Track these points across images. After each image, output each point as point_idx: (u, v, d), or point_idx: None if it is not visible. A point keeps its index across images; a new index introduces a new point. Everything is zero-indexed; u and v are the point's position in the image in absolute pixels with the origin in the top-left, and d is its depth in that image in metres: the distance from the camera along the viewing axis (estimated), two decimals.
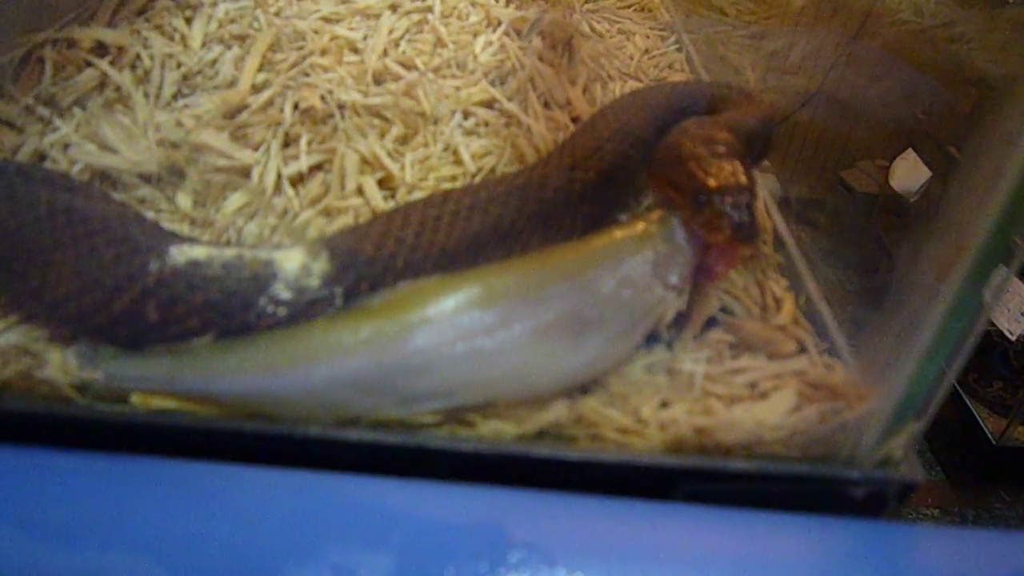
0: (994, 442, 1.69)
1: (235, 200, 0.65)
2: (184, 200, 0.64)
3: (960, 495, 1.75)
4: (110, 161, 0.63)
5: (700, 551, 0.50)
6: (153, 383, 0.52)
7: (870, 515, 0.55)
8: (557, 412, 0.54)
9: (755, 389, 0.58)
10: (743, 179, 0.59)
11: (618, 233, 0.61)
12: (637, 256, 0.58)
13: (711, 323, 0.64)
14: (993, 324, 1.62)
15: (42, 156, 0.65)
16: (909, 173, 2.17)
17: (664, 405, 0.56)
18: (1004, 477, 1.73)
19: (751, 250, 0.62)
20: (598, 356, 0.55)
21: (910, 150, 2.20)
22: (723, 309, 0.66)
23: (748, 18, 1.19)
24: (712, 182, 0.60)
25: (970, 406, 1.75)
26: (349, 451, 0.51)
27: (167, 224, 0.62)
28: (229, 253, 0.53)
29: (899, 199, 2.12)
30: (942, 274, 0.46)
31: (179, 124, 0.67)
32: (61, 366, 0.51)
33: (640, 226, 0.61)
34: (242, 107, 0.69)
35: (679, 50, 1.12)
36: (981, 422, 1.72)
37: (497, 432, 0.53)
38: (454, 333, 0.52)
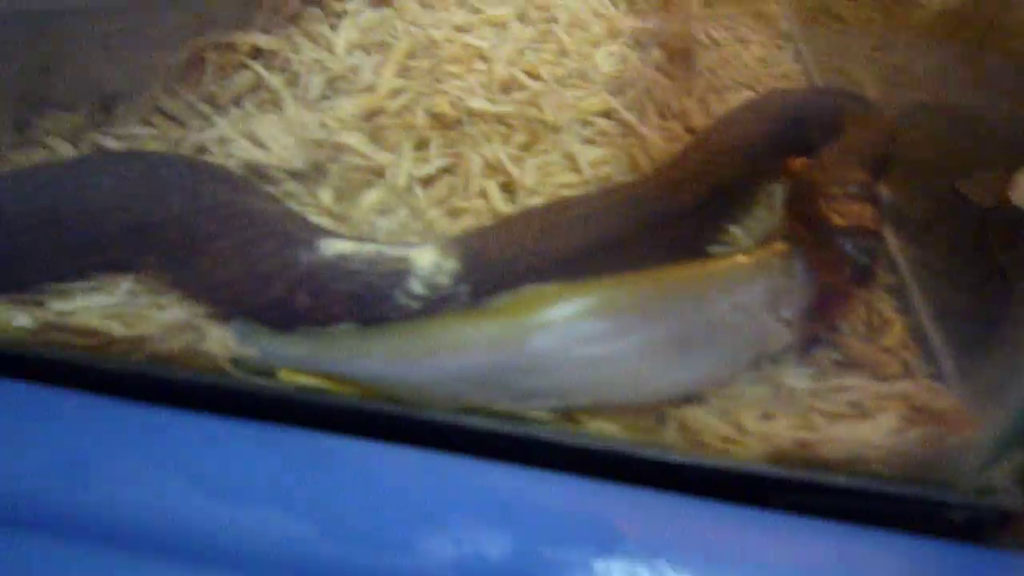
0: None
1: (371, 197, 0.70)
2: (326, 195, 0.70)
3: None
4: (261, 157, 0.70)
5: (793, 557, 0.52)
6: (299, 362, 0.58)
7: (966, 541, 0.55)
8: (662, 417, 0.57)
9: (858, 408, 0.59)
10: (870, 223, 0.59)
11: (738, 259, 0.63)
12: (753, 285, 0.61)
13: (816, 339, 0.66)
14: None
15: (201, 149, 0.72)
16: None
17: (766, 417, 0.58)
18: None
19: (866, 294, 0.62)
20: (702, 376, 0.58)
21: None
22: (829, 327, 0.67)
23: (870, 28, 1.17)
24: (840, 222, 0.60)
25: None
26: (467, 436, 0.56)
27: (311, 218, 0.68)
28: (370, 249, 0.59)
29: (1019, 213, 2.02)
30: None
31: (323, 125, 0.73)
32: (221, 342, 0.58)
33: (761, 255, 0.63)
34: (379, 111, 0.74)
35: (797, 60, 1.11)
36: None
37: (602, 432, 0.57)
38: (570, 338, 0.56)
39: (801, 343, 0.64)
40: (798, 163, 0.83)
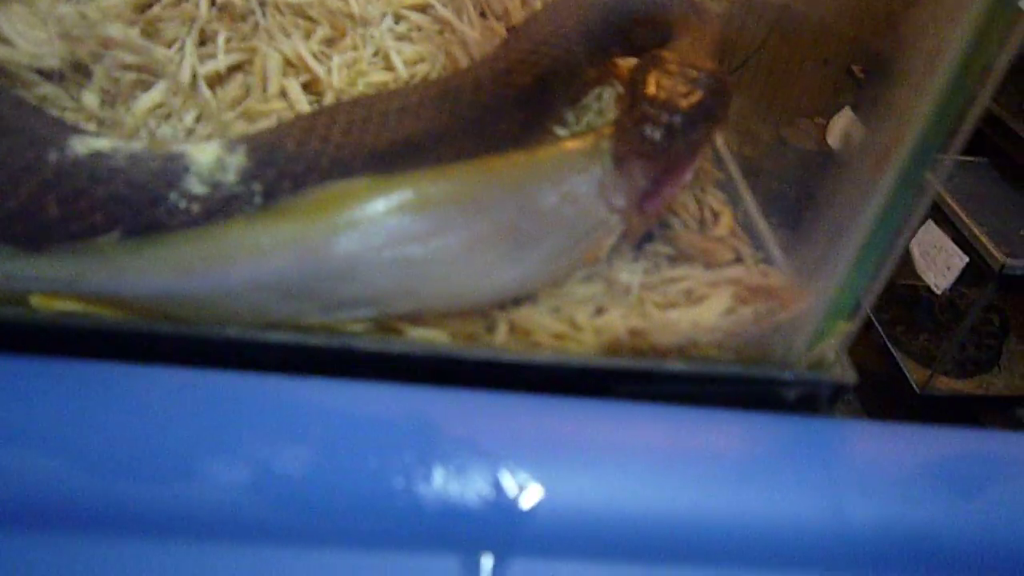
0: (918, 391, 1.76)
1: (148, 99, 0.60)
2: (91, 99, 0.59)
3: None
4: (6, 54, 0.58)
5: (632, 443, 0.49)
6: (55, 284, 0.48)
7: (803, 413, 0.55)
8: (489, 319, 0.53)
9: (691, 296, 0.57)
10: (681, 101, 0.56)
11: (567, 145, 0.59)
12: (584, 173, 0.56)
13: (648, 236, 0.63)
14: (920, 279, 1.67)
15: None
16: (846, 131, 2.21)
17: (600, 312, 0.55)
18: (927, 424, 1.81)
19: (689, 174, 0.60)
20: (534, 272, 0.54)
21: (847, 108, 2.24)
22: (659, 224, 0.65)
23: None
24: (652, 91, 0.58)
25: (896, 357, 1.81)
26: (270, 352, 0.49)
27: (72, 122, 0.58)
28: (137, 145, 0.50)
29: (835, 156, 2.16)
30: (878, 165, 0.45)
31: (84, 17, 0.61)
32: None
33: (591, 140, 0.58)
34: (153, 1, 0.64)
35: None
36: (907, 373, 1.78)
37: (426, 339, 0.51)
38: (383, 238, 0.49)
39: (634, 236, 0.61)
40: (628, 64, 0.81)
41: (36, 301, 0.48)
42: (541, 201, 0.55)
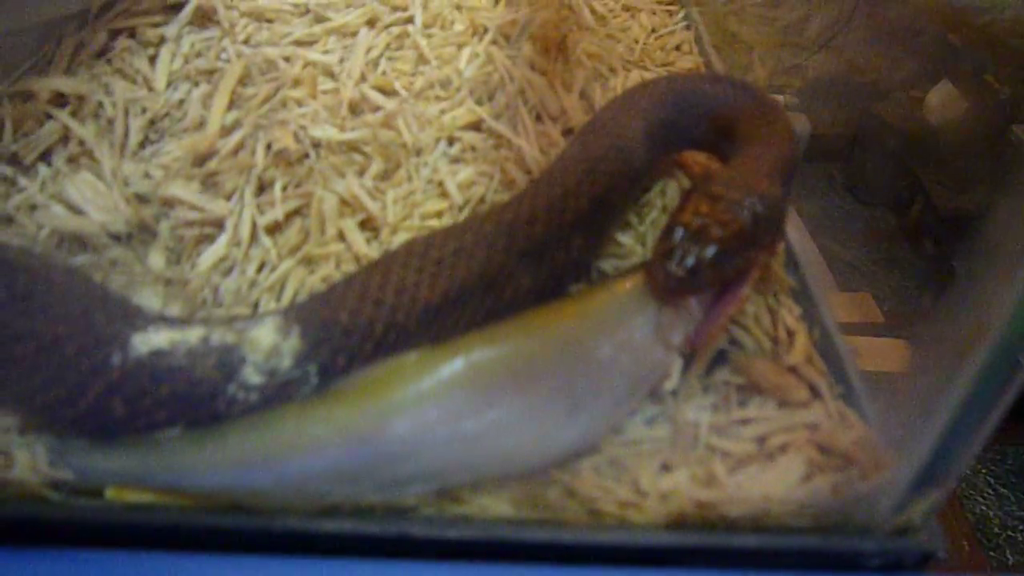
0: None
1: (210, 256, 0.62)
2: (156, 259, 0.61)
3: (1002, 433, 1.72)
4: (78, 225, 0.60)
5: None
6: (126, 477, 0.50)
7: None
8: (551, 482, 0.51)
9: (763, 445, 0.54)
10: (714, 231, 0.54)
11: (617, 287, 0.57)
12: (637, 315, 0.54)
13: (719, 359, 0.60)
14: None
15: (8, 219, 0.62)
16: (945, 104, 2.06)
17: (665, 468, 0.53)
18: None
19: (740, 300, 0.57)
20: (592, 429, 0.52)
21: (945, 80, 2.09)
22: (731, 341, 0.62)
23: None
24: (686, 219, 0.55)
25: None
26: (330, 540, 0.49)
27: (140, 288, 0.59)
28: (194, 336, 0.50)
29: (934, 132, 2.01)
30: (974, 339, 0.41)
31: (147, 176, 0.63)
32: (31, 465, 0.49)
33: (640, 277, 0.56)
34: (212, 152, 0.65)
35: (688, 27, 1.04)
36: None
37: (486, 510, 0.50)
38: (436, 417, 0.49)
39: (700, 365, 0.58)
40: (694, 156, 0.77)
41: (110, 494, 0.49)
42: (596, 355, 0.54)
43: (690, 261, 0.53)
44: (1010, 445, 1.69)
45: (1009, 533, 1.54)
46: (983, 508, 1.56)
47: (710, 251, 0.54)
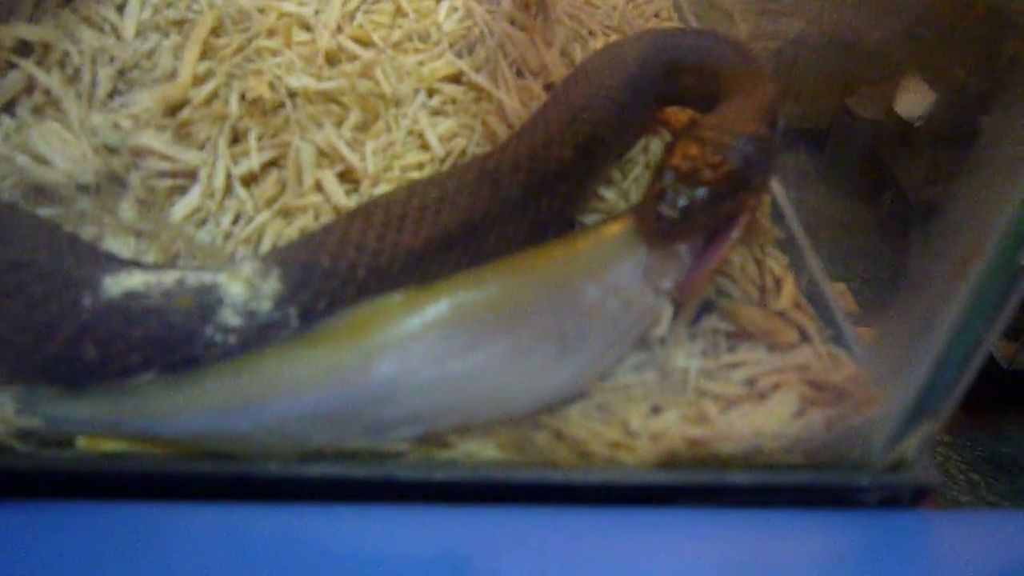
0: (1005, 367, 1.67)
1: (183, 207, 0.60)
2: (128, 211, 0.59)
3: (973, 420, 1.74)
4: (44, 175, 0.58)
5: (701, 554, 0.47)
6: (99, 425, 0.48)
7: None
8: (539, 426, 0.50)
9: (754, 387, 0.53)
10: (705, 174, 0.53)
11: (605, 231, 0.55)
12: (626, 259, 0.53)
13: (706, 307, 0.60)
14: None
15: None
16: (915, 98, 2.08)
17: (655, 411, 0.52)
18: (1014, 400, 1.72)
19: (730, 243, 0.56)
20: (582, 372, 0.51)
21: (914, 72, 2.11)
22: (718, 291, 0.61)
23: None
24: (675, 161, 0.54)
25: None
26: (314, 486, 0.48)
27: (111, 240, 0.57)
28: (169, 279, 0.48)
29: (905, 125, 2.04)
30: (971, 249, 0.40)
31: (116, 126, 0.61)
32: None
33: (628, 221, 0.55)
34: (184, 102, 0.63)
35: None
36: (993, 348, 1.67)
37: (474, 454, 0.49)
38: (421, 358, 0.47)
39: (688, 314, 0.57)
40: (676, 114, 0.77)
41: (82, 443, 0.47)
42: (584, 297, 0.53)
43: (682, 202, 0.52)
44: (980, 432, 1.71)
45: None
46: (954, 495, 1.58)
47: (701, 192, 0.53)
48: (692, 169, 0.54)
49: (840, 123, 2.16)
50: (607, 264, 0.54)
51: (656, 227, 0.53)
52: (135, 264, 0.51)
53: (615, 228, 0.56)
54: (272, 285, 0.49)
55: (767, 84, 0.65)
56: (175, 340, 0.47)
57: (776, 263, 0.64)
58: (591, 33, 0.89)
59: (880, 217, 2.02)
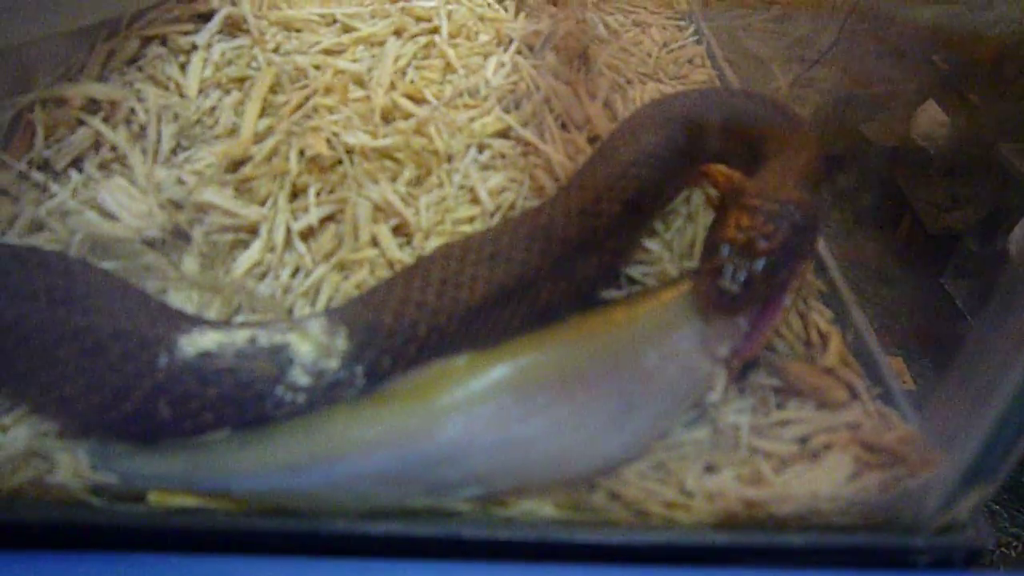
0: None
1: (245, 260, 0.62)
2: (191, 265, 0.61)
3: None
4: (110, 230, 0.60)
5: None
6: (170, 481, 0.49)
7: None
8: (596, 487, 0.51)
9: (806, 446, 0.54)
10: (760, 244, 0.54)
11: (664, 296, 0.57)
12: (685, 326, 0.54)
13: (753, 363, 0.60)
14: None
15: (38, 225, 0.62)
16: (930, 123, 2.10)
17: (710, 470, 0.53)
18: None
19: (782, 311, 0.57)
20: (640, 438, 0.52)
21: (930, 100, 2.12)
22: (764, 346, 0.62)
23: (769, 1, 1.13)
24: (731, 234, 0.55)
25: None
26: (377, 543, 0.49)
27: (174, 293, 0.59)
28: (241, 338, 0.50)
29: (922, 151, 2.05)
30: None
31: (180, 182, 0.63)
32: (73, 468, 0.49)
33: (686, 287, 0.56)
34: (245, 159, 0.65)
35: (699, 42, 1.06)
36: None
37: (532, 512, 0.50)
38: (484, 422, 0.49)
39: (735, 374, 0.58)
40: (720, 170, 0.78)
41: (153, 499, 0.49)
42: (644, 363, 0.54)
43: (742, 276, 0.53)
44: None
45: (1002, 550, 1.54)
46: None
47: (760, 264, 0.54)
48: (748, 241, 0.54)
49: (855, 148, 2.16)
50: (666, 330, 0.55)
51: (718, 301, 0.53)
52: (205, 322, 0.53)
53: (673, 293, 0.57)
54: (339, 344, 0.50)
55: (810, 146, 0.66)
56: (247, 399, 0.49)
57: (820, 317, 0.65)
58: (629, 82, 0.91)
59: (897, 244, 2.03)
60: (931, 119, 2.13)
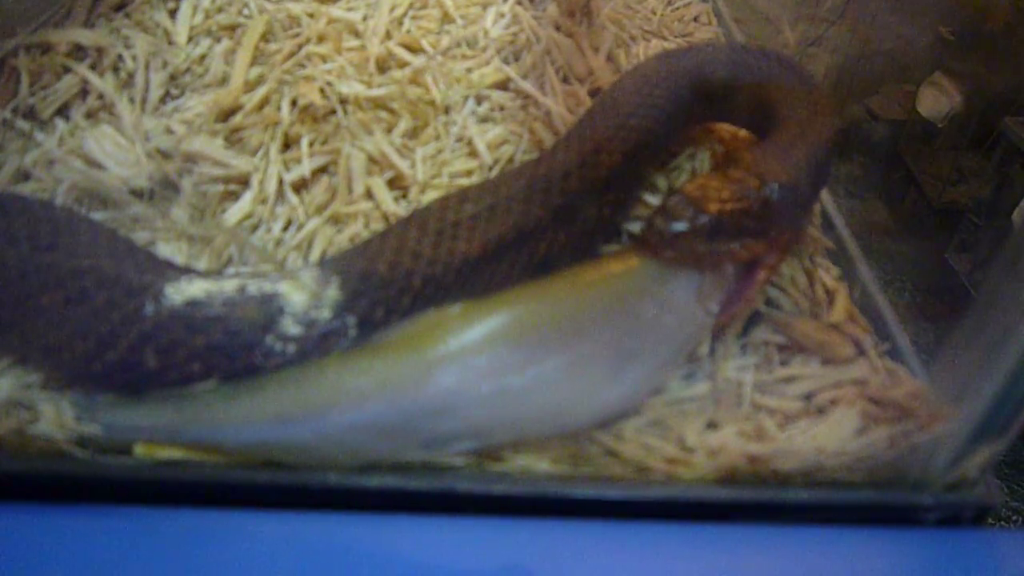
0: None
1: (235, 212, 0.60)
2: (180, 215, 0.59)
3: None
4: (98, 179, 0.58)
5: (760, 571, 0.46)
6: (156, 432, 0.48)
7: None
8: (594, 441, 0.50)
9: (811, 402, 0.53)
10: (712, 205, 0.52)
11: None
12: (680, 277, 0.53)
13: (756, 319, 0.59)
14: None
15: (23, 175, 0.60)
16: (937, 98, 2.06)
17: (711, 426, 0.51)
18: None
19: (760, 278, 0.56)
20: (637, 387, 0.50)
21: (938, 73, 2.09)
22: (768, 303, 0.61)
23: None
24: (689, 189, 0.54)
25: None
26: (371, 497, 0.48)
27: (163, 244, 0.58)
28: (230, 286, 0.49)
29: (927, 124, 2.02)
30: None
31: (169, 131, 0.61)
32: (57, 419, 0.47)
33: None
34: (236, 108, 0.63)
35: (705, 0, 1.03)
36: None
37: (529, 468, 0.49)
38: (479, 372, 0.47)
39: (722, 327, 0.57)
40: (730, 131, 0.76)
41: (139, 451, 0.48)
42: (640, 313, 0.52)
43: (679, 225, 0.52)
44: None
45: (1003, 524, 1.54)
46: None
47: (703, 220, 0.52)
48: (700, 198, 0.53)
49: (860, 121, 2.14)
50: (663, 281, 0.53)
51: (647, 239, 0.53)
52: (194, 271, 0.51)
53: None
54: (331, 294, 0.49)
55: (825, 111, 0.63)
56: (236, 349, 0.47)
57: (827, 274, 0.63)
58: (632, 38, 0.88)
59: (901, 218, 2.01)
60: (937, 92, 2.10)
